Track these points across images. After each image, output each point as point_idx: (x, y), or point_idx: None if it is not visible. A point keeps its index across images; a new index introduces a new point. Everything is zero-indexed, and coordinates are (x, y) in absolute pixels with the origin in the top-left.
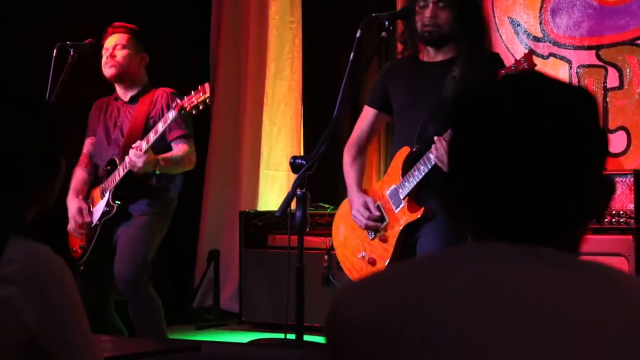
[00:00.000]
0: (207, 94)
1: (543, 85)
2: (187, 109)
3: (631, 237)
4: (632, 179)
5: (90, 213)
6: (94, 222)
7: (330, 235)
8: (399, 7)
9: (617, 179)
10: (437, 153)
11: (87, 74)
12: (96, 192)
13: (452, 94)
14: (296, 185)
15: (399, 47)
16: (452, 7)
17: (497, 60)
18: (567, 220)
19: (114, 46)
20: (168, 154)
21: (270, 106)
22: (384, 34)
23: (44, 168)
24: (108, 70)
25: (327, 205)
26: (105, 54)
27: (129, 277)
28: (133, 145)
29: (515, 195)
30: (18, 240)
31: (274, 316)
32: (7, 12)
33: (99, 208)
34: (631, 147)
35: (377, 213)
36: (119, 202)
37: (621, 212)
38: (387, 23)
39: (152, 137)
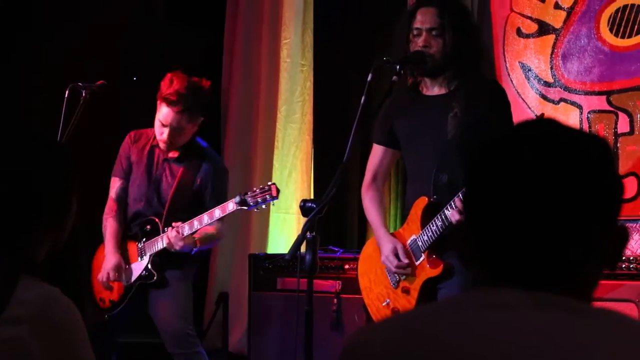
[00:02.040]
0: (275, 196)
1: (558, 132)
2: (249, 206)
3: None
4: None
5: (127, 269)
6: (131, 282)
7: (339, 279)
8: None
9: (627, 225)
10: (457, 217)
11: (99, 115)
12: (132, 248)
13: (455, 134)
14: (306, 228)
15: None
16: (446, 36)
17: (496, 88)
18: (580, 267)
19: (170, 128)
20: (204, 233)
21: (281, 149)
22: (395, 77)
23: (56, 209)
24: (161, 145)
25: (336, 249)
26: (159, 127)
27: (181, 333)
28: (174, 224)
29: (528, 241)
30: (28, 281)
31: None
32: (21, 52)
33: (137, 268)
34: None
35: (407, 261)
36: (160, 271)
37: (631, 258)
38: (398, 67)
39: (196, 225)
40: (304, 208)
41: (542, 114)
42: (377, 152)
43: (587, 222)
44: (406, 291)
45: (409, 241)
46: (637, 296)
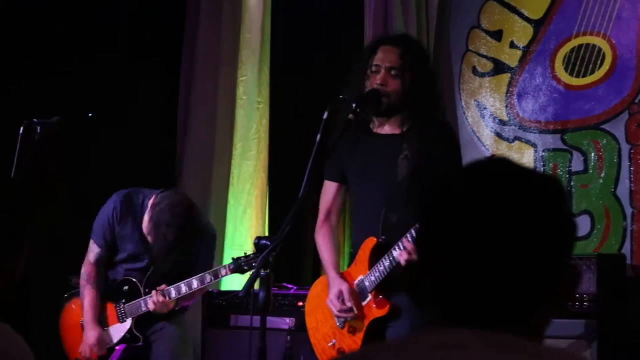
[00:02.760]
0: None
1: (510, 172)
2: (244, 272)
3: (594, 321)
4: (595, 263)
5: (105, 332)
6: (112, 344)
7: (293, 316)
8: None
9: (580, 263)
10: (405, 256)
11: (53, 151)
12: (111, 310)
13: (405, 176)
14: (260, 265)
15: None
16: (404, 77)
17: (447, 131)
18: (532, 306)
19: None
20: (185, 291)
21: (236, 186)
22: (351, 116)
23: (7, 248)
24: None
25: (290, 286)
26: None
27: None
28: (159, 288)
29: (480, 281)
30: None
31: None
32: None
33: (117, 330)
34: (594, 231)
35: (350, 305)
36: (145, 333)
37: (584, 296)
38: (354, 105)
39: (184, 290)
40: (258, 245)
41: (493, 155)
42: (329, 188)
43: (539, 262)
44: (352, 331)
45: (356, 281)
46: (589, 334)
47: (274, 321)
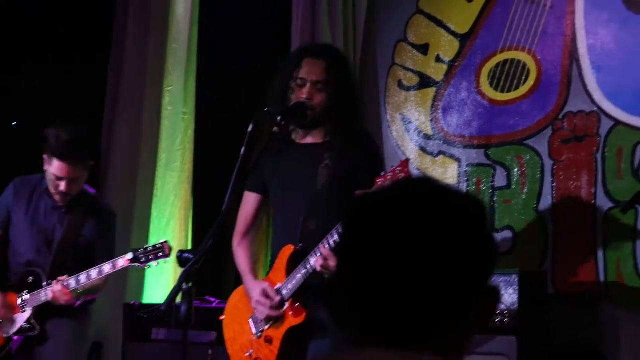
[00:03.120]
0: (168, 255)
1: (432, 192)
2: (141, 263)
3: (514, 337)
4: (516, 279)
5: (8, 321)
6: (10, 334)
7: (215, 330)
8: None
9: (501, 279)
10: (318, 262)
11: None
12: (12, 299)
13: (325, 185)
14: (182, 279)
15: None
16: (329, 91)
17: (368, 141)
18: (453, 326)
19: (67, 180)
20: (89, 284)
21: (160, 197)
22: (275, 129)
23: None
24: (57, 197)
25: (213, 299)
26: (54, 180)
27: None
28: (59, 278)
29: (400, 301)
30: None
31: None
32: None
33: (18, 320)
34: (516, 247)
35: (278, 298)
36: (43, 324)
37: (505, 312)
38: (279, 118)
39: (83, 280)
40: (181, 259)
41: (407, 161)
42: (248, 200)
43: (458, 283)
44: (269, 341)
45: (274, 289)
46: (510, 350)
47: (196, 335)
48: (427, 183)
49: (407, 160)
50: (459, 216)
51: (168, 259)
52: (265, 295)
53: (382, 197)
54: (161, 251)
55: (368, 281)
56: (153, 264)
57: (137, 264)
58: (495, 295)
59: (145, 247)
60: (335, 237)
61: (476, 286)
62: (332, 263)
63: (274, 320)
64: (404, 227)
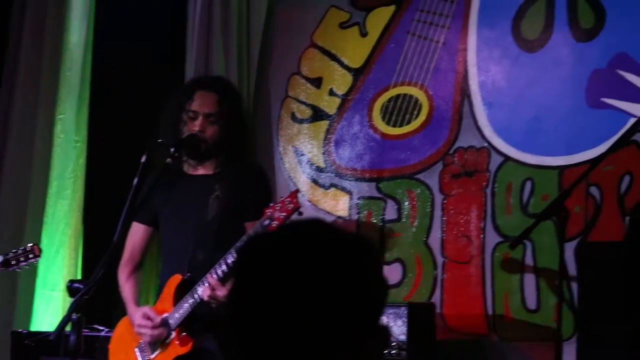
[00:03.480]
0: (38, 256)
1: (322, 236)
2: (11, 266)
3: None
4: (405, 311)
5: None
6: None
7: (104, 358)
8: None
9: (390, 311)
10: (205, 292)
11: None
12: None
13: (215, 215)
14: (72, 309)
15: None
16: (221, 123)
17: (259, 173)
18: None
19: None
20: None
21: (50, 225)
22: (169, 160)
23: None
24: None
25: (102, 327)
26: None
27: None
28: None
29: (283, 346)
30: None
31: None
32: None
33: None
34: (406, 279)
35: (159, 318)
36: None
37: (394, 344)
38: (172, 150)
39: None
40: (71, 288)
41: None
42: (136, 230)
43: (348, 324)
44: None
45: (159, 319)
46: None
47: None
48: (318, 226)
49: (297, 191)
50: (348, 261)
51: (38, 259)
52: (147, 317)
53: (273, 240)
54: (31, 253)
55: (256, 323)
56: (23, 265)
57: (7, 268)
58: (385, 335)
59: (15, 250)
60: (224, 267)
61: (365, 328)
62: (220, 293)
63: (160, 342)
64: (292, 272)
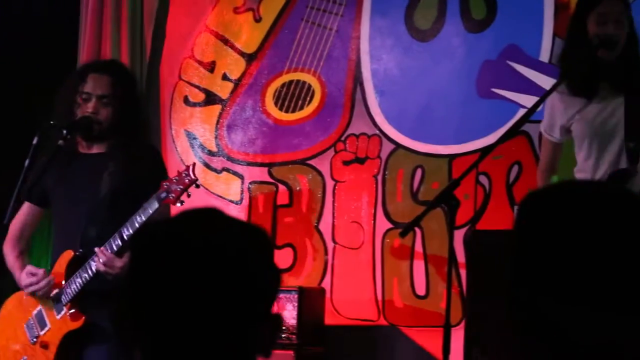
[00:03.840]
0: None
1: (214, 223)
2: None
3: (292, 352)
4: (296, 296)
5: None
6: None
7: None
8: None
9: (281, 295)
10: (99, 264)
11: None
12: None
13: (108, 192)
14: None
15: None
16: (114, 104)
17: (152, 152)
18: (230, 355)
19: None
20: None
21: None
22: (60, 142)
23: None
24: None
25: None
26: None
27: None
28: None
29: (178, 329)
30: None
31: None
32: None
33: None
34: (296, 264)
35: (42, 271)
36: None
37: (284, 328)
38: (65, 132)
39: None
40: None
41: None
42: (26, 209)
43: (240, 310)
44: (45, 346)
45: (52, 294)
46: None
47: None
48: (212, 214)
49: (194, 164)
50: (241, 248)
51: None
52: (31, 274)
53: (170, 226)
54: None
55: (150, 309)
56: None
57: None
58: (277, 322)
59: None
60: (118, 241)
61: (258, 313)
62: (117, 264)
63: (56, 305)
64: (186, 259)
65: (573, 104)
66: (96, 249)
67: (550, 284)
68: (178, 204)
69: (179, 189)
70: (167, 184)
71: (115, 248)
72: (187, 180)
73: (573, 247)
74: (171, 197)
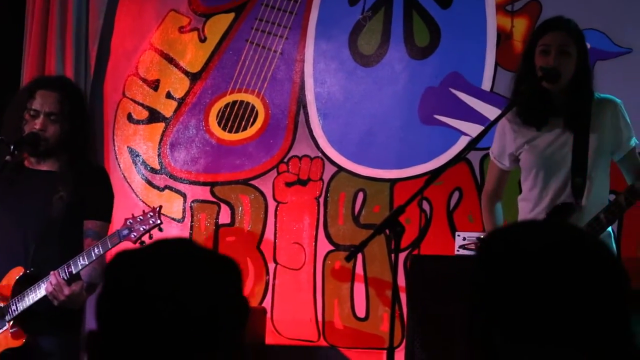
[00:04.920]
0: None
1: (185, 256)
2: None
3: None
4: None
5: None
6: None
7: None
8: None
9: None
10: (49, 287)
11: None
12: None
13: (59, 215)
14: None
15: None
16: (62, 121)
17: (102, 174)
18: None
19: None
20: None
21: None
22: (8, 157)
23: None
24: None
25: None
26: None
27: None
28: None
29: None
30: None
31: None
32: None
33: None
34: None
35: None
36: None
37: None
38: (12, 147)
39: None
40: None
41: (160, 207)
42: None
43: (208, 343)
44: None
45: None
46: None
47: None
48: (185, 244)
49: (160, 206)
50: (214, 278)
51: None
52: None
53: (143, 256)
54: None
55: (124, 337)
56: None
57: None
58: (246, 353)
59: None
60: (72, 268)
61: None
62: (65, 292)
63: None
64: (159, 287)
65: (523, 134)
66: (51, 272)
67: (502, 321)
68: (138, 244)
69: (142, 229)
70: (131, 221)
71: (67, 275)
72: (151, 222)
73: (524, 285)
74: (133, 236)
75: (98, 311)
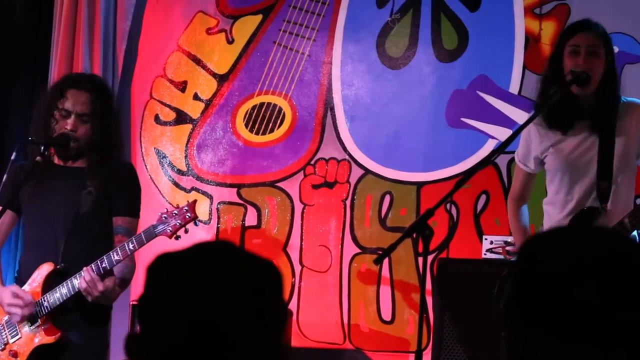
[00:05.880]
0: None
1: (233, 256)
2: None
3: None
4: None
5: None
6: None
7: None
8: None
9: None
10: (82, 283)
11: None
12: None
13: (88, 210)
14: None
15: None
16: (94, 122)
17: (131, 171)
18: None
19: None
20: None
21: None
22: (38, 158)
23: None
24: None
25: None
26: None
27: None
28: None
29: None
30: None
31: None
32: None
33: None
34: None
35: (29, 297)
36: None
37: None
38: (42, 148)
39: None
40: None
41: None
42: (4, 215)
43: (250, 347)
44: (14, 355)
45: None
46: None
47: None
48: (227, 248)
49: (195, 201)
50: (258, 284)
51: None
52: (16, 296)
53: (186, 259)
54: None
55: (164, 334)
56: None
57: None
58: (285, 354)
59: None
60: (106, 264)
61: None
62: (99, 287)
63: (31, 321)
64: (202, 291)
65: (548, 137)
66: (84, 268)
67: (547, 322)
68: (174, 239)
69: (177, 224)
70: (166, 215)
71: (102, 271)
72: (187, 216)
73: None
74: (168, 231)
75: (140, 313)
